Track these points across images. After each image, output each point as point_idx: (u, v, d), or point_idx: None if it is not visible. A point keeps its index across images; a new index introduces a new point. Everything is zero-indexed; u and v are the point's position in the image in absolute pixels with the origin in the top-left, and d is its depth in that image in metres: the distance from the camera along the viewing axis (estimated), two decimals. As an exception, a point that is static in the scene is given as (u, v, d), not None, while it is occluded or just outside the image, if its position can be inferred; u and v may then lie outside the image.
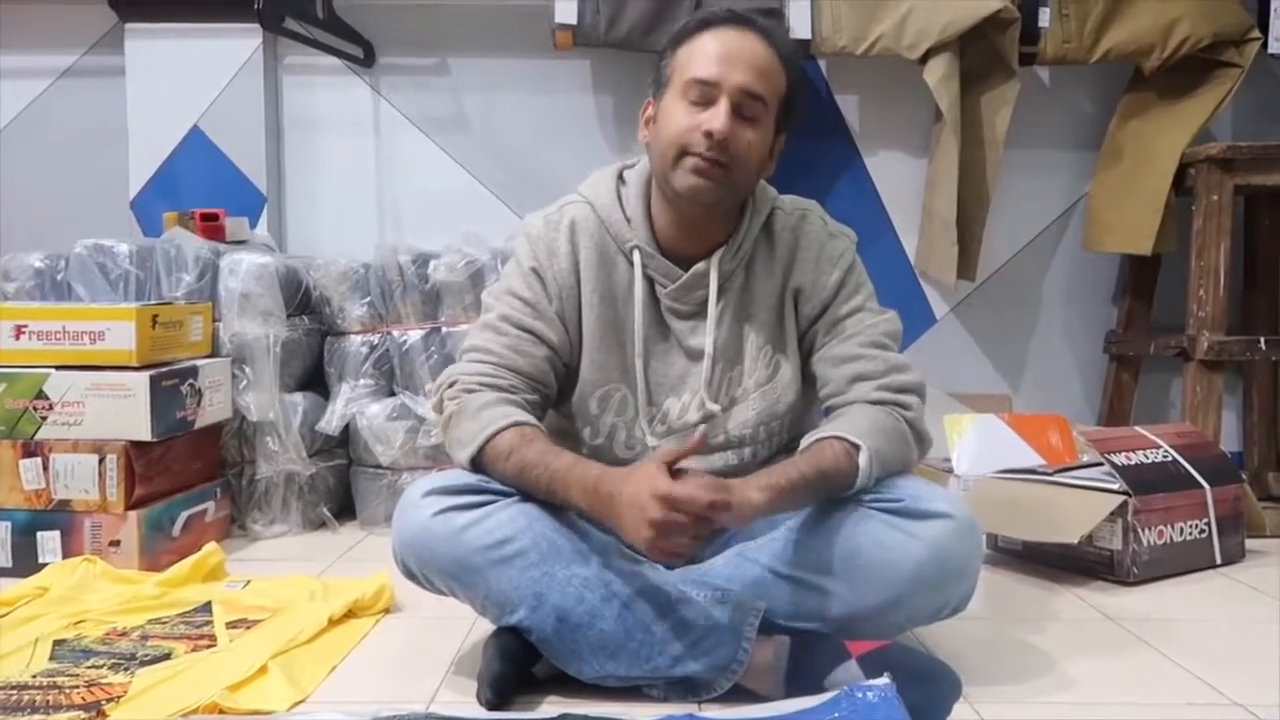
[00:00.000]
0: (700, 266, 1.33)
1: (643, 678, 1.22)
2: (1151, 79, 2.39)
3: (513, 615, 1.22)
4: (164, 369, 1.85)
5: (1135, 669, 1.37)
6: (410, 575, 1.27)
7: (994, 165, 2.35)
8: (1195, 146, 2.27)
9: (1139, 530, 1.73)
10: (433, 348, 2.13)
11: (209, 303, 2.06)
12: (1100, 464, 1.83)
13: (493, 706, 1.19)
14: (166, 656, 1.35)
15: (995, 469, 1.97)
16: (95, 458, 1.79)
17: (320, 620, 1.46)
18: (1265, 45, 2.33)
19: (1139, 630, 1.51)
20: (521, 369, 1.31)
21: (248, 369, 2.06)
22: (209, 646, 1.40)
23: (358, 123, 2.55)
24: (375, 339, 2.17)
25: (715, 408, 1.34)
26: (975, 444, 2.12)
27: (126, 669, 1.30)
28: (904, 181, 2.53)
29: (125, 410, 1.79)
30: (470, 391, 1.28)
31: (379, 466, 2.13)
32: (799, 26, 2.27)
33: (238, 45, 2.43)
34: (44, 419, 1.81)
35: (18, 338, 1.84)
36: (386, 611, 1.57)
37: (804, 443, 1.26)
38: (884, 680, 1.06)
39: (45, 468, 1.80)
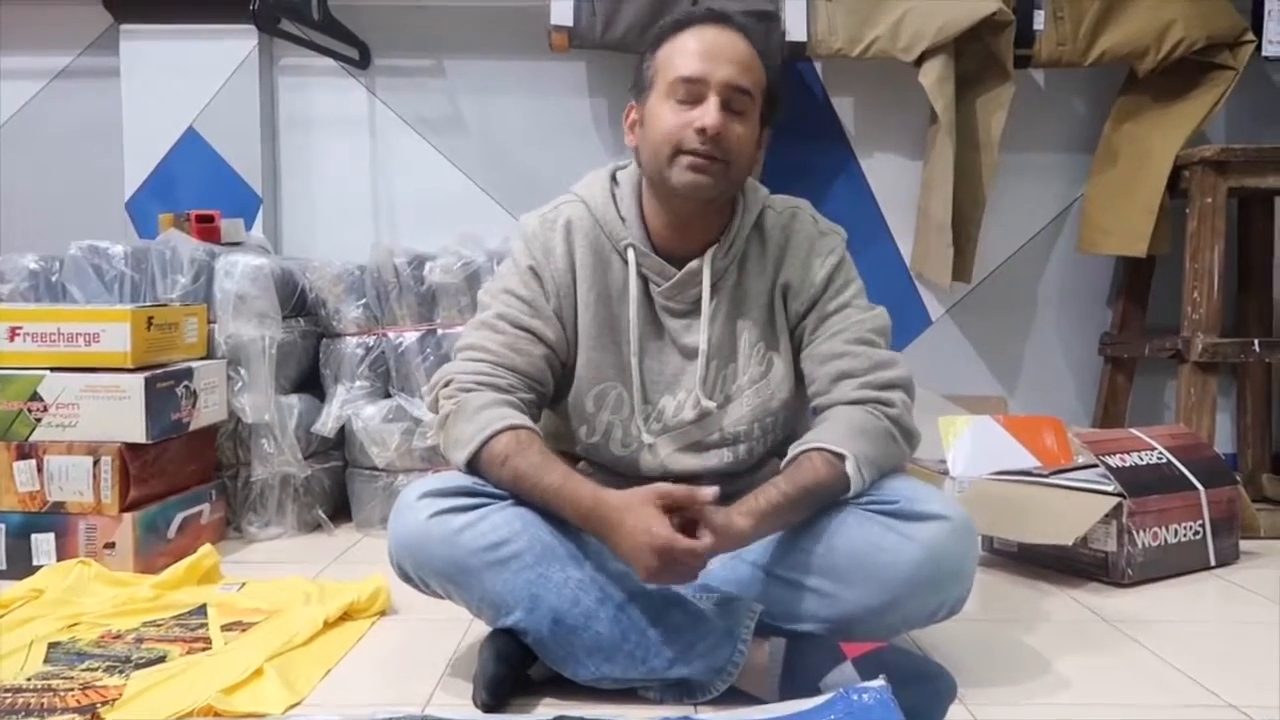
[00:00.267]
0: (693, 265, 1.34)
1: (638, 680, 1.22)
2: (1146, 82, 2.39)
3: (508, 617, 1.22)
4: (159, 371, 1.85)
5: (1130, 670, 1.37)
6: (406, 577, 1.27)
7: (989, 167, 2.36)
8: (1189, 149, 2.27)
9: (1134, 532, 1.74)
10: (428, 349, 2.13)
11: (204, 304, 2.06)
12: (1095, 466, 1.84)
13: (488, 709, 1.19)
14: (161, 659, 1.35)
15: (990, 471, 1.97)
16: (90, 460, 1.78)
17: (316, 623, 1.45)
18: (1259, 48, 2.34)
19: (1134, 632, 1.51)
20: (518, 367, 1.31)
21: (243, 371, 2.05)
22: (204, 649, 1.39)
23: (353, 124, 2.54)
24: (371, 341, 2.17)
25: (710, 405, 1.34)
26: (970, 446, 2.12)
27: (121, 672, 1.30)
28: (899, 183, 2.53)
29: (120, 412, 1.79)
30: (467, 391, 1.28)
31: (374, 468, 2.13)
32: (794, 29, 2.28)
33: (233, 46, 2.43)
34: (38, 421, 1.81)
35: (12, 339, 1.84)
36: (382, 614, 1.56)
37: (789, 454, 1.26)
38: (879, 682, 1.06)
39: (40, 470, 1.79)
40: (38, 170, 2.52)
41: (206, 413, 1.98)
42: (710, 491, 1.15)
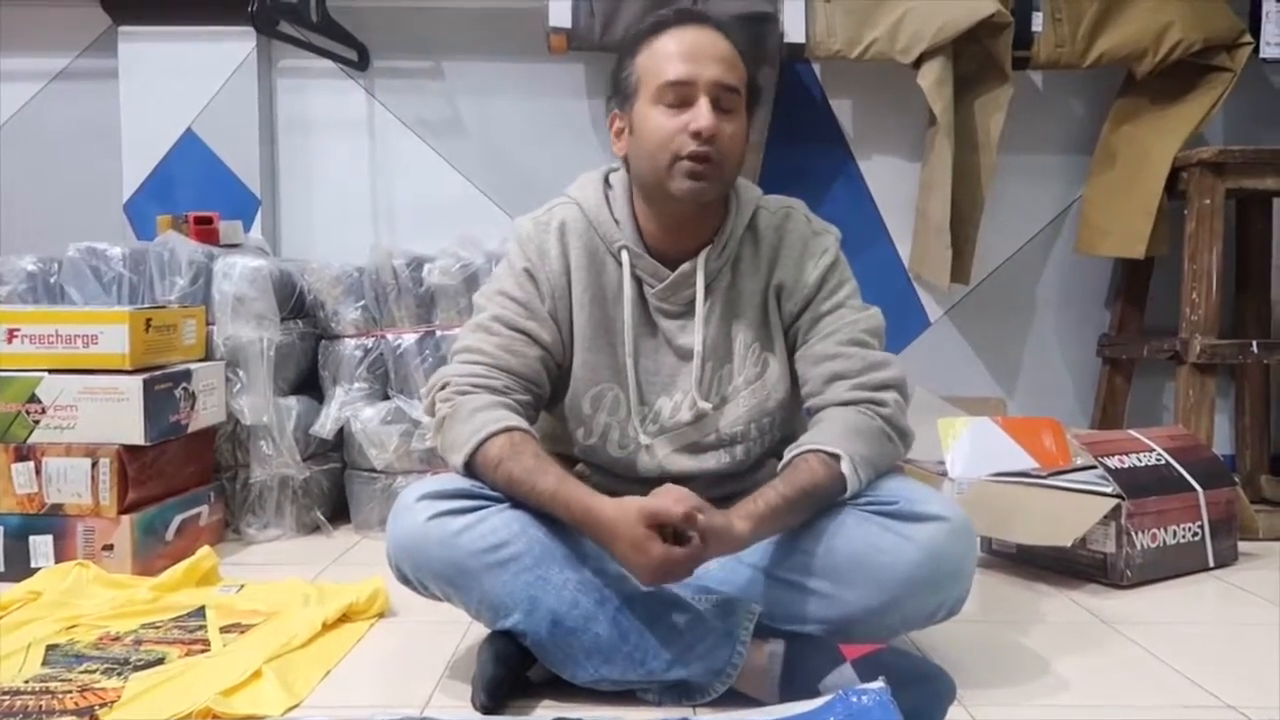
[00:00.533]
0: (687, 266, 1.34)
1: (637, 682, 1.21)
2: (1144, 83, 2.39)
3: (507, 619, 1.22)
4: (157, 373, 1.85)
5: (1129, 671, 1.37)
6: (405, 580, 1.27)
7: (988, 169, 2.36)
8: (1187, 150, 2.28)
9: (1132, 533, 1.74)
10: (427, 351, 2.12)
11: (202, 306, 2.06)
12: (1094, 467, 1.84)
13: (487, 711, 1.19)
14: (160, 661, 1.35)
15: (989, 472, 1.97)
16: (88, 461, 1.78)
17: (314, 625, 1.45)
18: (1257, 50, 2.34)
19: (1132, 633, 1.51)
20: (514, 369, 1.31)
21: (241, 373, 2.05)
22: (202, 651, 1.39)
23: (352, 126, 2.54)
24: (369, 342, 2.17)
25: (706, 406, 1.34)
26: (969, 447, 2.12)
27: (120, 674, 1.30)
28: (898, 185, 2.53)
29: (118, 414, 1.79)
30: (462, 393, 1.28)
31: (373, 470, 2.13)
32: (793, 30, 2.28)
33: (232, 48, 2.43)
34: (36, 423, 1.80)
35: (10, 341, 1.83)
36: (381, 616, 1.56)
37: (785, 457, 1.26)
38: (879, 684, 1.06)
39: (38, 472, 1.79)
40: (36, 172, 2.52)
41: (205, 414, 1.98)
42: (690, 516, 1.13)
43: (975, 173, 2.36)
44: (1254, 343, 2.22)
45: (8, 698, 1.22)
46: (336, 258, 2.23)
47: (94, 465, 1.78)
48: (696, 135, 1.24)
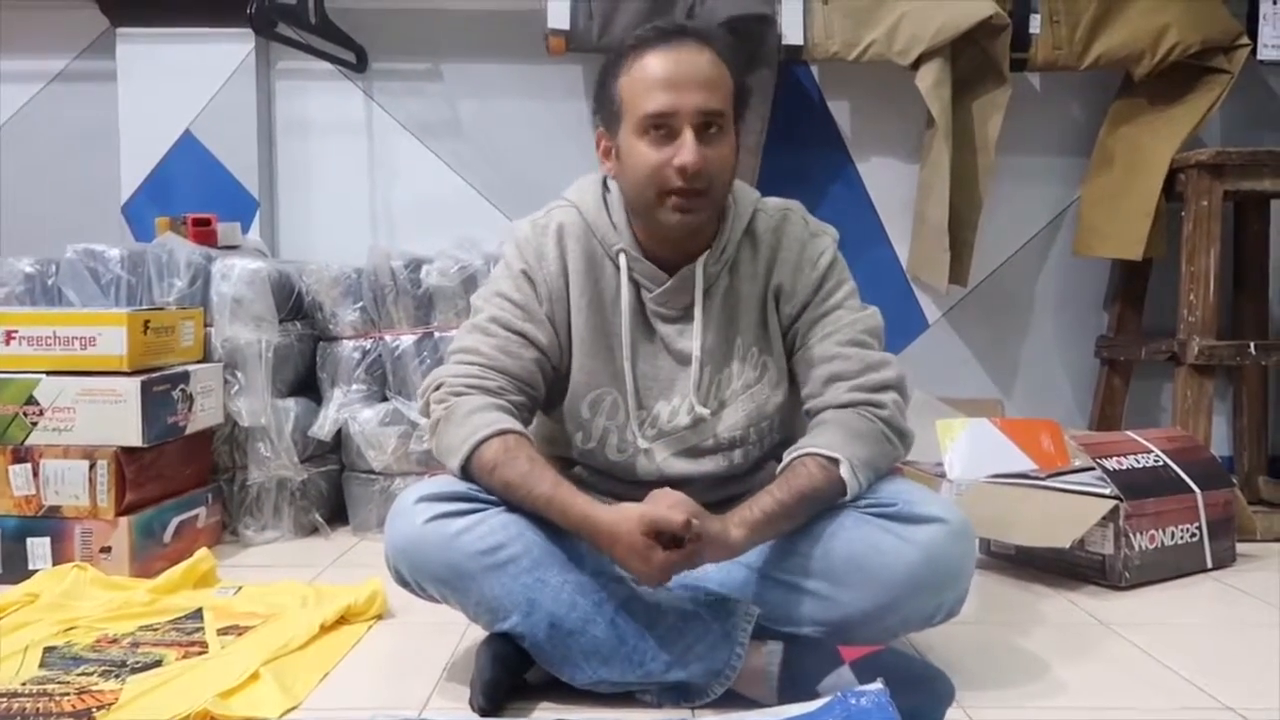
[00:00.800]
0: (685, 271, 1.33)
1: (636, 683, 1.21)
2: (1141, 85, 2.40)
3: (505, 621, 1.22)
4: (155, 374, 1.85)
5: (1127, 673, 1.37)
6: (403, 582, 1.27)
7: (986, 171, 2.36)
8: (1185, 152, 2.28)
9: (1130, 535, 1.74)
10: (425, 352, 2.12)
11: (201, 308, 2.06)
12: (1092, 468, 1.84)
13: (485, 713, 1.19)
14: (158, 663, 1.35)
15: (987, 474, 1.98)
16: (86, 463, 1.78)
17: (312, 627, 1.45)
18: (1254, 52, 2.34)
19: (1130, 634, 1.51)
20: (509, 370, 1.31)
21: (239, 374, 2.05)
22: (200, 653, 1.39)
23: (350, 128, 2.54)
24: (368, 344, 2.17)
25: (705, 412, 1.34)
26: (968, 449, 2.12)
27: (117, 676, 1.30)
28: (896, 187, 2.54)
29: (116, 416, 1.78)
30: (457, 394, 1.28)
31: (371, 472, 2.13)
32: (791, 32, 2.28)
33: (230, 50, 2.43)
34: (34, 424, 1.80)
35: (8, 343, 1.83)
36: (379, 618, 1.56)
37: (783, 460, 1.26)
38: (877, 685, 1.06)
39: (35, 474, 1.79)
40: (34, 174, 2.52)
41: (203, 416, 1.98)
42: (688, 523, 1.14)
43: (973, 174, 2.36)
44: (1252, 344, 2.23)
45: (5, 700, 1.22)
46: (335, 259, 2.23)
47: (92, 467, 1.78)
48: (682, 171, 1.23)
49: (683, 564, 1.16)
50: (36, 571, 1.72)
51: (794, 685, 1.17)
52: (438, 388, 1.30)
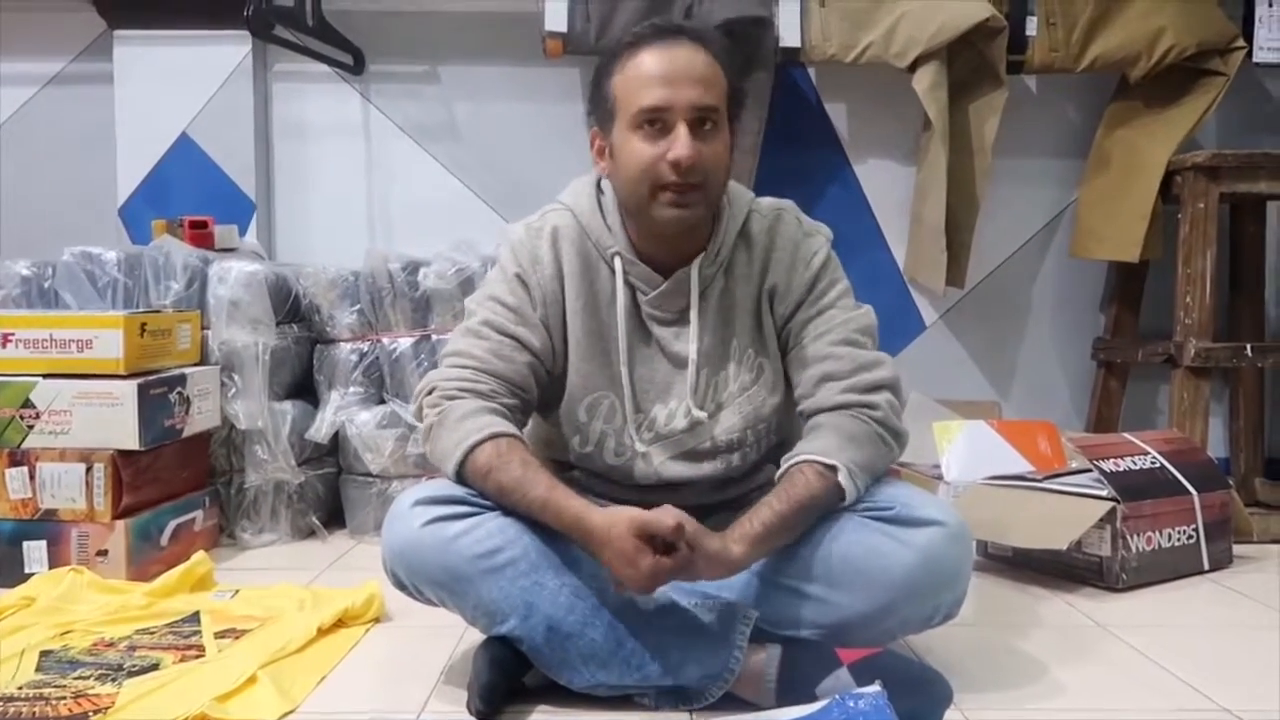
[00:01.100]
0: (680, 274, 1.33)
1: (634, 686, 1.21)
2: (1137, 88, 2.40)
3: (503, 625, 1.21)
4: (152, 377, 1.85)
5: (1124, 675, 1.37)
6: (400, 585, 1.27)
7: (982, 173, 2.36)
8: (1181, 154, 2.28)
9: (1127, 536, 1.74)
10: (423, 355, 2.12)
11: (197, 311, 2.06)
12: (1088, 470, 1.84)
13: (483, 716, 1.19)
14: (154, 667, 1.35)
15: (984, 475, 1.98)
16: (82, 466, 1.78)
17: (309, 630, 1.45)
18: (1250, 54, 2.35)
19: (1128, 636, 1.51)
20: (502, 373, 1.30)
21: (236, 377, 2.05)
22: (197, 657, 1.39)
23: (348, 130, 2.54)
24: (365, 346, 2.17)
25: (702, 416, 1.34)
26: (965, 451, 2.12)
27: (114, 680, 1.30)
28: (893, 189, 2.54)
29: (113, 419, 1.78)
30: (450, 398, 1.28)
31: (368, 475, 2.13)
32: (788, 35, 2.28)
33: (227, 52, 2.43)
34: (30, 428, 1.80)
35: (4, 345, 1.83)
36: (376, 621, 1.56)
37: (781, 468, 1.26)
38: (875, 688, 1.06)
39: (31, 477, 1.79)
40: (30, 176, 2.51)
41: (200, 419, 1.97)
42: (679, 528, 1.13)
43: (970, 176, 2.36)
44: (1248, 346, 2.23)
45: (2, 704, 1.21)
46: (332, 262, 2.23)
47: (88, 470, 1.78)
48: (675, 165, 1.23)
49: (673, 571, 1.15)
50: (33, 575, 1.72)
51: (792, 688, 1.17)
52: (430, 392, 1.30)
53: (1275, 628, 1.57)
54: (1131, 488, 1.77)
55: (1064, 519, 1.75)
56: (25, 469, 1.79)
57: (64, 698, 1.23)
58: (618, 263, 1.34)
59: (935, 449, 2.13)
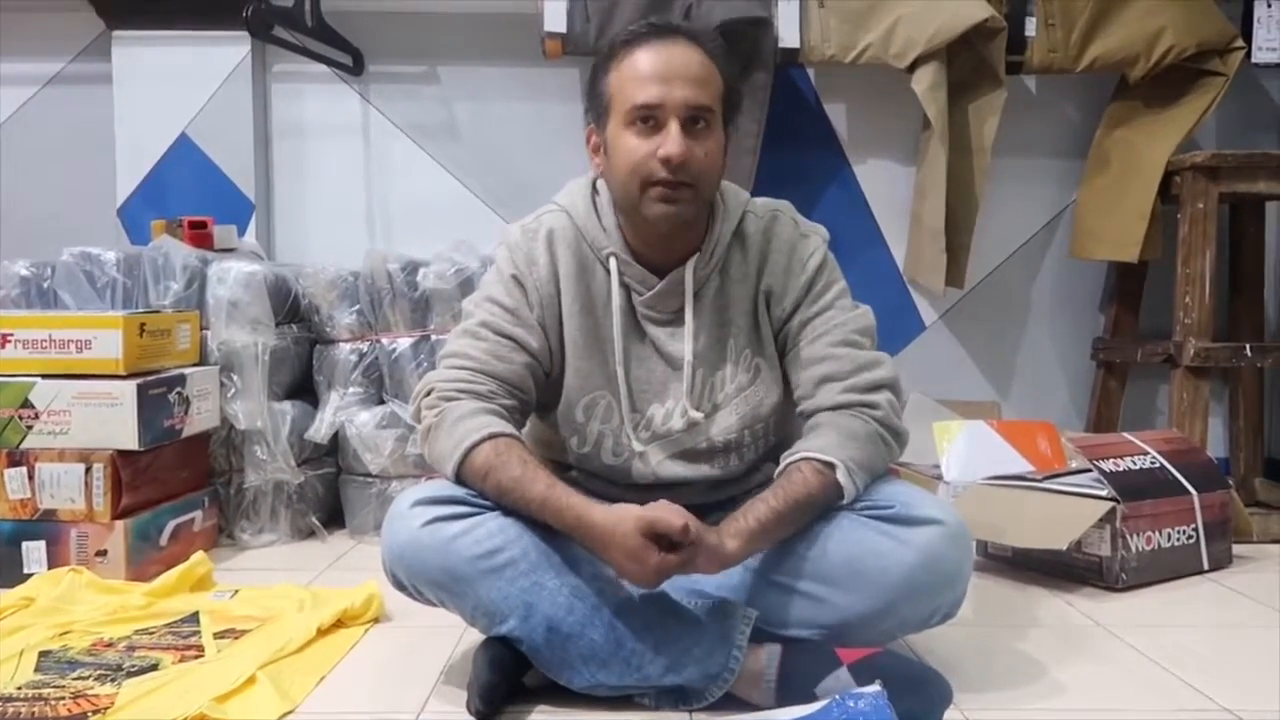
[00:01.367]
0: (675, 274, 1.33)
1: (634, 687, 1.21)
2: (1137, 88, 2.40)
3: (503, 625, 1.21)
4: (151, 377, 1.84)
5: (1124, 675, 1.37)
6: (400, 586, 1.27)
7: (982, 173, 2.36)
8: (1180, 155, 2.28)
9: (1127, 536, 1.74)
10: (422, 355, 2.12)
11: (197, 311, 2.06)
12: (1088, 470, 1.84)
13: (483, 716, 1.19)
14: (154, 667, 1.34)
15: (984, 475, 1.98)
16: (81, 467, 1.78)
17: (309, 630, 1.45)
18: (1249, 54, 2.35)
19: (1128, 636, 1.51)
20: (499, 374, 1.30)
21: (236, 377, 2.05)
22: (196, 657, 1.39)
23: (347, 130, 2.54)
24: (364, 347, 2.17)
25: (698, 416, 1.34)
26: (964, 451, 2.12)
27: (113, 680, 1.29)
28: (892, 189, 2.54)
29: (112, 419, 1.78)
30: (448, 399, 1.28)
31: (368, 475, 2.13)
32: (787, 35, 2.28)
33: (226, 53, 2.43)
34: (30, 428, 1.80)
35: (3, 346, 1.83)
36: (376, 621, 1.56)
37: (780, 465, 1.26)
38: (875, 687, 1.06)
39: (31, 477, 1.78)
40: (30, 176, 2.51)
41: (199, 419, 1.97)
42: (687, 528, 1.14)
43: (969, 177, 2.36)
44: (1247, 346, 2.23)
45: (1, 704, 1.21)
46: (331, 262, 2.23)
47: (87, 470, 1.77)
48: (666, 162, 1.23)
49: (677, 568, 1.15)
50: (32, 575, 1.72)
51: (792, 688, 1.17)
52: (428, 393, 1.30)
53: (1275, 628, 1.57)
54: (1131, 488, 1.77)
55: (1064, 519, 1.75)
56: (24, 469, 1.79)
57: (63, 698, 1.23)
58: (613, 263, 1.34)
59: (935, 449, 2.13)
